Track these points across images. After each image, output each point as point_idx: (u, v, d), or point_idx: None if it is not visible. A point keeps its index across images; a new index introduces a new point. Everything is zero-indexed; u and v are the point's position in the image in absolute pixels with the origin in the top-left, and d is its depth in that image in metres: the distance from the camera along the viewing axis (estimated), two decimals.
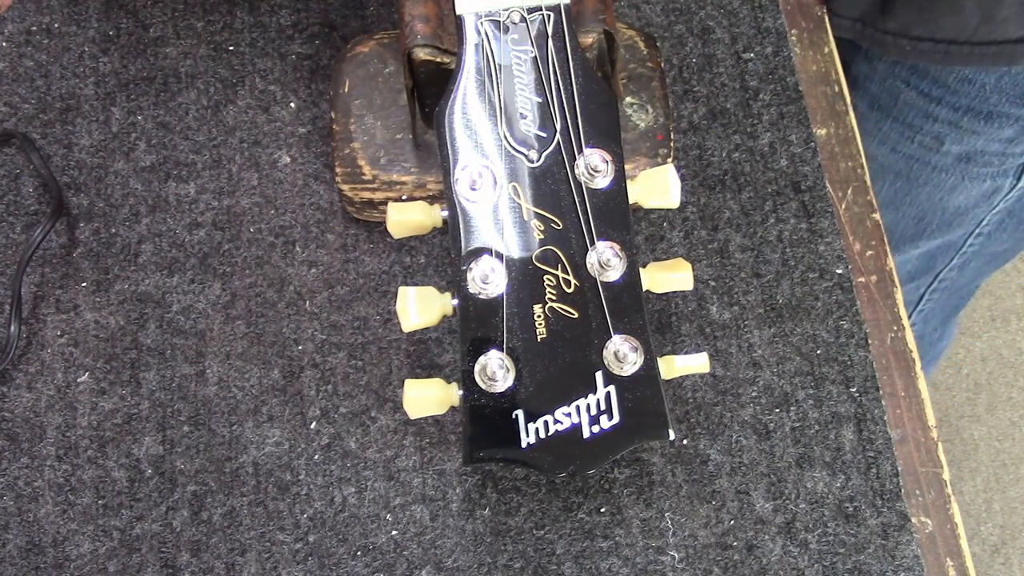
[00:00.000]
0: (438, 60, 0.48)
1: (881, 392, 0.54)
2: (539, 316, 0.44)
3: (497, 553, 0.51)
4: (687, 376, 0.54)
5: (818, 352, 0.55)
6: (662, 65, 0.57)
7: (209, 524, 0.52)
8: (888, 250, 0.58)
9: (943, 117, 0.73)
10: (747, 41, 0.62)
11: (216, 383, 0.54)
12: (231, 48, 0.62)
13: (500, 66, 0.46)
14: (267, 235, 0.57)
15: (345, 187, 0.55)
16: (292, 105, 0.60)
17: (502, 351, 0.44)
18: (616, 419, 0.44)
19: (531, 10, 0.46)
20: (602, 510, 0.52)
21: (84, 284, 0.56)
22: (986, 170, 0.77)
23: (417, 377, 0.52)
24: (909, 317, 1.00)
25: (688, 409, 0.54)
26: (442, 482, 0.52)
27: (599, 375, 0.44)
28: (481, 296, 0.44)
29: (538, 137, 0.45)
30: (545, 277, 0.45)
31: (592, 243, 0.45)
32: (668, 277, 0.46)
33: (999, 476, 1.53)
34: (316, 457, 0.53)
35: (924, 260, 0.92)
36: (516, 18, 0.46)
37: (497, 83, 0.46)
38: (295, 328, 0.55)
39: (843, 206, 0.59)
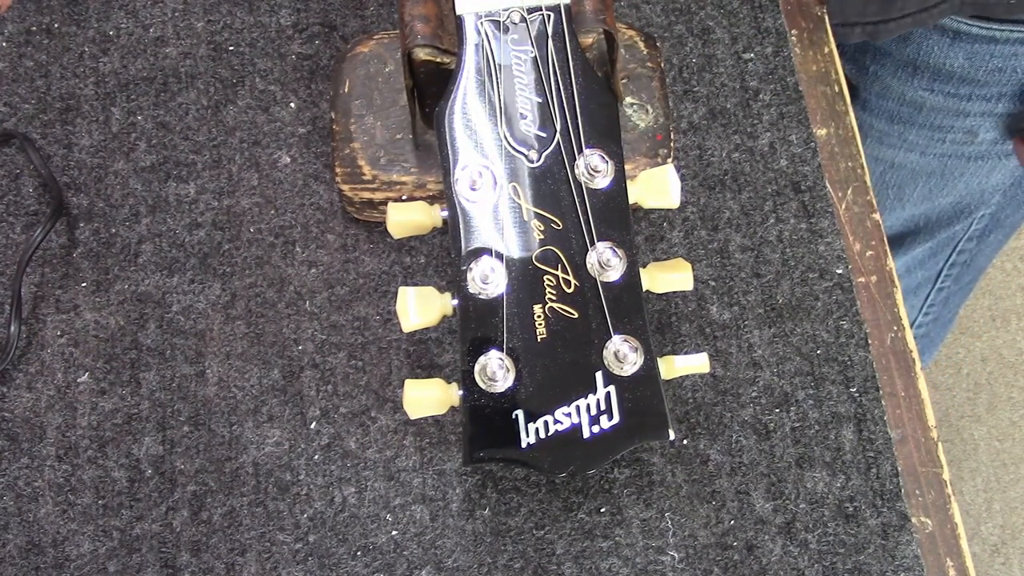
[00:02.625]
0: (438, 60, 0.48)
1: (881, 392, 0.54)
2: (539, 316, 0.44)
3: (497, 553, 0.51)
4: (687, 376, 0.54)
5: (818, 352, 0.55)
6: (662, 65, 0.57)
7: (209, 524, 0.52)
8: (888, 250, 0.58)
9: (976, 111, 0.74)
10: (747, 41, 0.62)
11: (216, 383, 0.54)
12: (231, 48, 0.62)
13: (500, 66, 0.46)
14: (267, 235, 0.57)
15: (345, 187, 0.55)
16: (292, 105, 0.60)
17: (502, 351, 0.44)
18: (616, 419, 0.44)
19: (531, 10, 0.46)
20: (602, 510, 0.52)
21: (84, 284, 0.56)
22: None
23: (417, 377, 0.52)
24: (928, 297, 1.00)
25: (688, 409, 0.54)
26: (442, 482, 0.52)
27: (599, 375, 0.44)
28: (481, 296, 0.44)
29: (538, 137, 0.45)
30: (545, 277, 0.45)
31: (592, 243, 0.45)
32: (668, 277, 0.46)
33: (999, 476, 1.53)
34: (316, 457, 0.53)
35: (949, 237, 0.92)
36: (516, 18, 0.46)
37: (497, 83, 0.46)
38: (295, 328, 0.55)
39: (843, 206, 0.59)
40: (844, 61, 0.78)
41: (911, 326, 1.04)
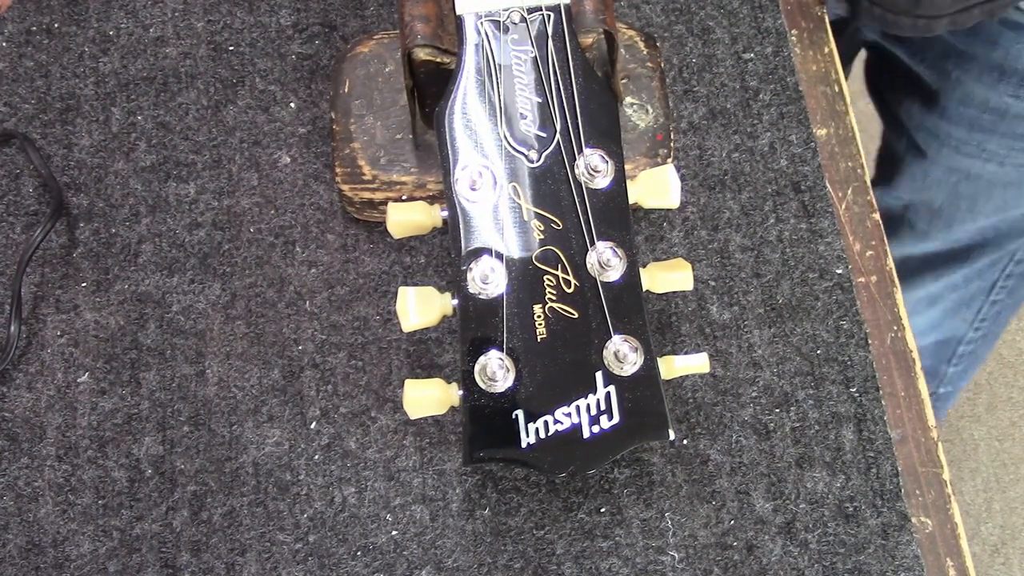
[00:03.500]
0: (438, 60, 0.48)
1: (881, 392, 0.54)
2: (539, 316, 0.44)
3: (497, 553, 0.51)
4: (687, 376, 0.54)
5: (818, 352, 0.55)
6: (662, 65, 0.57)
7: (209, 524, 0.52)
8: (888, 250, 0.58)
9: None
10: (747, 41, 0.62)
11: (216, 383, 0.54)
12: (231, 48, 0.62)
13: (500, 66, 0.46)
14: (267, 235, 0.57)
15: (345, 187, 0.55)
16: (292, 105, 0.60)
17: (502, 351, 0.44)
18: (616, 419, 0.44)
19: (531, 10, 0.46)
20: (602, 510, 0.52)
21: (84, 284, 0.56)
22: None
23: (417, 377, 0.52)
24: (980, 311, 0.96)
25: (688, 409, 0.54)
26: (442, 482, 0.52)
27: (599, 375, 0.44)
28: (481, 296, 0.44)
29: (538, 137, 0.45)
30: (545, 277, 0.45)
31: (592, 243, 0.45)
32: (668, 277, 0.46)
33: (999, 476, 1.53)
34: (316, 457, 0.53)
35: (1013, 248, 0.90)
36: (516, 18, 0.46)
37: (497, 83, 0.46)
38: (295, 328, 0.55)
39: (843, 206, 0.59)
40: (924, 67, 0.76)
41: (961, 342, 1.01)
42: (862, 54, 0.89)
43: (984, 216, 0.85)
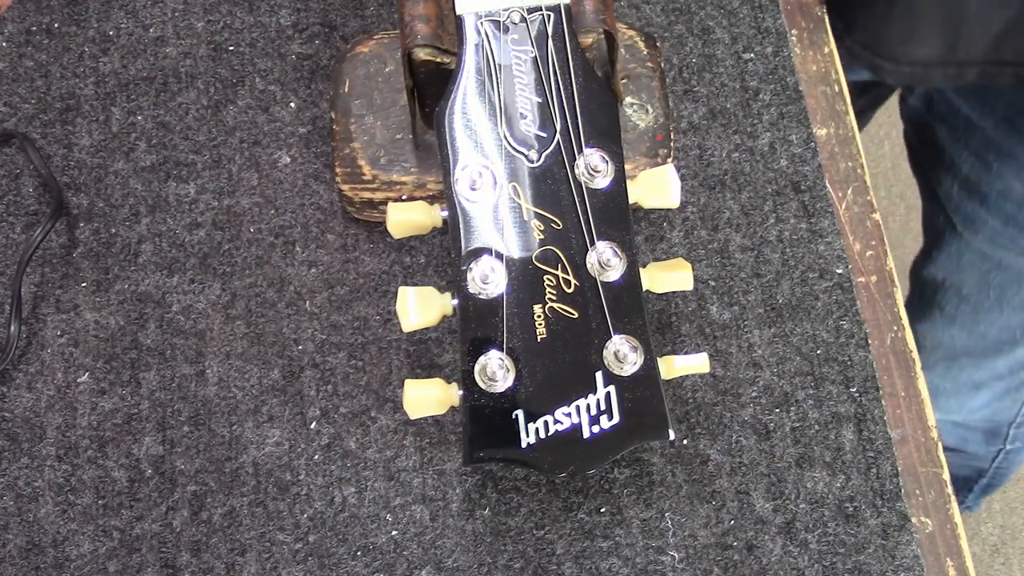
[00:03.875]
0: (438, 60, 0.48)
1: (881, 392, 0.54)
2: (539, 316, 0.44)
3: (497, 553, 0.51)
4: (687, 376, 0.54)
5: (818, 352, 0.55)
6: (662, 65, 0.57)
7: (209, 524, 0.52)
8: (888, 250, 0.58)
9: None
10: (747, 41, 0.62)
11: (216, 383, 0.54)
12: (231, 48, 0.62)
13: (500, 66, 0.46)
14: (267, 235, 0.57)
15: (345, 187, 0.55)
16: (292, 105, 0.60)
17: (502, 351, 0.44)
18: (616, 419, 0.44)
19: (531, 10, 0.46)
20: (602, 510, 0.52)
21: (84, 284, 0.56)
22: None
23: (417, 377, 0.52)
24: None
25: (688, 409, 0.54)
26: (442, 482, 0.52)
27: (599, 375, 0.44)
28: (481, 296, 0.44)
29: (538, 137, 0.45)
30: (545, 277, 0.45)
31: (592, 243, 0.45)
32: (668, 277, 0.46)
33: None
34: (316, 457, 0.53)
35: None
36: (516, 18, 0.46)
37: (497, 83, 0.46)
38: (295, 328, 0.55)
39: (843, 206, 0.59)
40: (966, 152, 0.75)
41: (1018, 414, 1.00)
42: (893, 119, 0.87)
43: (1012, 310, 0.84)
